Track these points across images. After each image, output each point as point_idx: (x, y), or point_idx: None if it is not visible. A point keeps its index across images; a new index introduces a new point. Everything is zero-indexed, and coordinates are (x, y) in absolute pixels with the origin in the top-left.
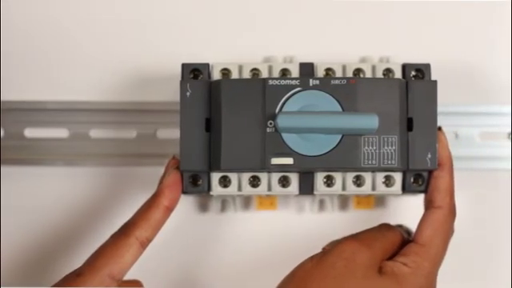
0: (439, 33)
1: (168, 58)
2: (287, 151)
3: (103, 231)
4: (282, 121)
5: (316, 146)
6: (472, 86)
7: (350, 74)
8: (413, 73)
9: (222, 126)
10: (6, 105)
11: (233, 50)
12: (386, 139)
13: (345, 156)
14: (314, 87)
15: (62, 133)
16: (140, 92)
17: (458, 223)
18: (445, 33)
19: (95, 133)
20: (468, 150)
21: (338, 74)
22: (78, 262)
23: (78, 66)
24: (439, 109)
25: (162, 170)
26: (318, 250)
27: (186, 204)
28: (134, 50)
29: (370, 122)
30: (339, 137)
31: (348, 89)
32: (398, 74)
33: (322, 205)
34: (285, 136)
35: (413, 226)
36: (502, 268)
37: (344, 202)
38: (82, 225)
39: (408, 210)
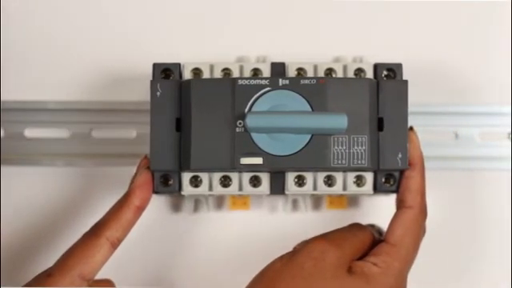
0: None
1: (167, 58)
2: (256, 151)
3: None
4: (250, 121)
5: (285, 145)
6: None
7: (321, 74)
8: (385, 72)
9: (191, 125)
10: (6, 105)
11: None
12: (355, 139)
13: (314, 156)
14: (284, 87)
15: (62, 133)
16: (140, 92)
17: (458, 222)
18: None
19: (96, 133)
20: (468, 149)
21: (310, 73)
22: None
23: (76, 66)
24: (439, 109)
25: None
26: (291, 249)
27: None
28: (132, 49)
29: (339, 121)
30: (308, 137)
31: (317, 89)
32: (370, 74)
33: (295, 205)
34: (254, 136)
35: (386, 226)
36: (503, 268)
37: (317, 201)
38: (82, 224)
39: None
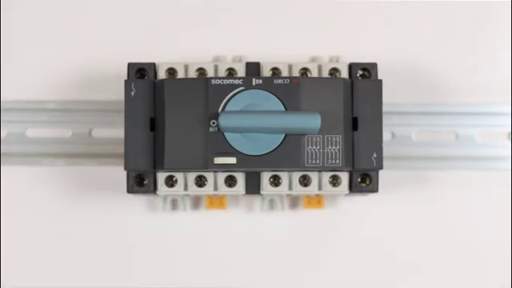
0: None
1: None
2: (230, 151)
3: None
4: (223, 120)
5: (259, 145)
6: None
7: (296, 74)
8: (359, 72)
9: (165, 125)
10: (6, 104)
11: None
12: (329, 139)
13: (288, 156)
14: (257, 87)
15: (62, 133)
16: None
17: (458, 224)
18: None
19: (96, 133)
20: (468, 149)
21: (284, 73)
22: (81, 262)
23: (75, 65)
24: (439, 109)
25: None
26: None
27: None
28: (135, 49)
29: (313, 121)
30: (282, 136)
31: (291, 88)
32: (345, 74)
33: (272, 204)
34: (227, 135)
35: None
36: (503, 269)
37: (294, 201)
38: (82, 223)
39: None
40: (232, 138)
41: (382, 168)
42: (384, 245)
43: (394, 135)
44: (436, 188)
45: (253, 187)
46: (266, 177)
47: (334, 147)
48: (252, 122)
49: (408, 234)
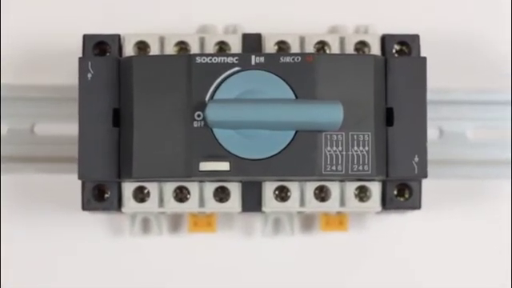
0: None
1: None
2: (221, 153)
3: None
4: (212, 112)
5: (260, 146)
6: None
7: (310, 49)
8: (396, 47)
9: (134, 119)
10: None
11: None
12: (355, 137)
13: (299, 160)
14: (258, 66)
15: None
16: None
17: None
18: None
19: (39, 129)
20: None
21: (295, 48)
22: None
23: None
24: (502, 97)
25: None
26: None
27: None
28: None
29: (333, 113)
30: (291, 134)
31: (303, 69)
32: (377, 49)
33: (277, 226)
34: (218, 132)
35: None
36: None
37: (308, 221)
38: (22, 250)
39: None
40: (224, 136)
41: (426, 176)
42: (427, 280)
43: (442, 132)
44: (498, 204)
45: (252, 202)
46: (269, 188)
47: (361, 148)
48: (250, 114)
49: (461, 266)
